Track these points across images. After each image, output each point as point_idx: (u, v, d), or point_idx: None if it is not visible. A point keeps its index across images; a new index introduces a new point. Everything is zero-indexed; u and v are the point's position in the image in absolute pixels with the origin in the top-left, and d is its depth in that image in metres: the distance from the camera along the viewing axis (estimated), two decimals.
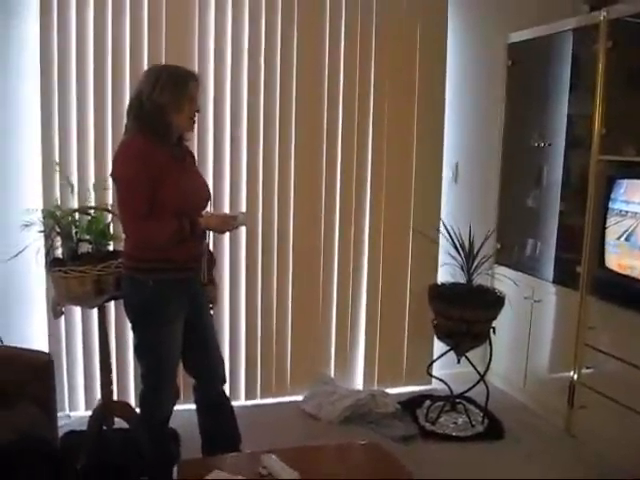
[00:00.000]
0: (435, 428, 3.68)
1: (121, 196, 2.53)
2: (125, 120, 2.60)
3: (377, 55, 3.92)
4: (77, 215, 3.06)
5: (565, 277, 3.76)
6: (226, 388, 2.95)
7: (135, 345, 2.70)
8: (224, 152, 3.77)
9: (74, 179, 3.43)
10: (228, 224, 2.74)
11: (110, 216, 3.14)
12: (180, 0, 3.57)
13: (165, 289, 2.58)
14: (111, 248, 3.17)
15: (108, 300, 3.01)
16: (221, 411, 2.90)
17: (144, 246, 2.58)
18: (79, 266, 2.83)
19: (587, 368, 3.53)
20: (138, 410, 2.75)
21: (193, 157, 2.85)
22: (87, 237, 3.04)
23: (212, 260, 2.88)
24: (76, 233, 3.01)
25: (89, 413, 3.21)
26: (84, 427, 3.14)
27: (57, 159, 3.45)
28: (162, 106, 2.50)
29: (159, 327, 2.61)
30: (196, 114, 2.66)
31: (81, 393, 3.68)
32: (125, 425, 3.14)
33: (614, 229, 3.34)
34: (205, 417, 2.90)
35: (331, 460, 2.37)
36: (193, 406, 2.90)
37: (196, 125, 3.57)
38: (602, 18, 3.38)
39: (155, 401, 2.72)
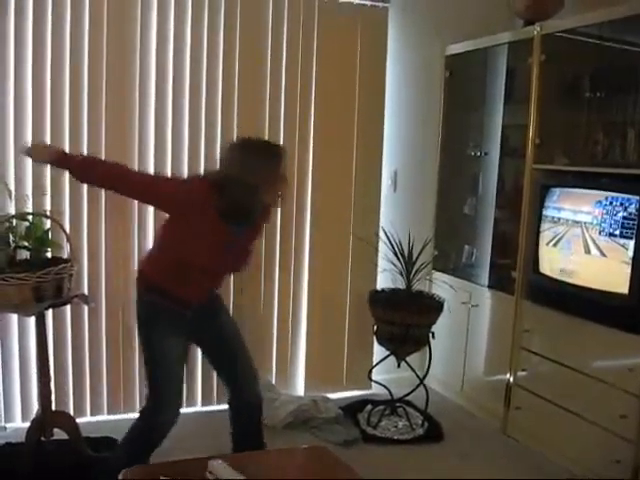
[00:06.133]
0: (376, 432, 3.72)
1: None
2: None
3: (318, 65, 3.96)
4: (15, 221, 2.98)
5: (501, 282, 3.87)
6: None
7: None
8: (166, 150, 3.72)
9: (11, 184, 3.35)
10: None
11: (49, 222, 3.08)
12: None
13: (155, 309, 2.68)
14: (49, 255, 3.11)
15: (47, 308, 2.95)
16: (251, 417, 2.97)
17: None
18: (17, 273, 2.77)
19: (522, 370, 3.64)
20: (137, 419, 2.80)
21: (257, 231, 2.87)
22: (25, 244, 2.97)
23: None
24: (14, 240, 2.94)
25: (26, 425, 3.12)
26: (21, 439, 3.06)
27: None
28: (255, 186, 2.54)
29: (152, 338, 2.71)
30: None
31: (17, 404, 3.58)
32: (65, 436, 3.09)
33: (547, 235, 3.46)
34: (235, 423, 2.97)
35: (279, 464, 2.38)
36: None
37: (137, 118, 3.63)
38: (536, 33, 3.51)
39: (155, 414, 2.71)
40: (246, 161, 2.54)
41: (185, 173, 3.74)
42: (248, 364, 2.95)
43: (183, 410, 2.83)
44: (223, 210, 2.54)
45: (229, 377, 2.95)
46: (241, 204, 2.57)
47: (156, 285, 2.68)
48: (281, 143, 2.73)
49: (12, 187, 3.32)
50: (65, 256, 3.09)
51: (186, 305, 2.72)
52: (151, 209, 3.68)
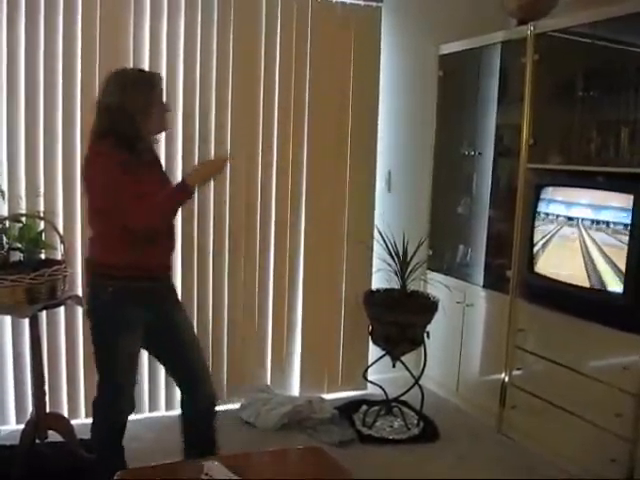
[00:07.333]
0: (372, 432, 3.72)
1: (108, 188, 2.47)
2: (94, 124, 2.59)
3: (312, 66, 3.95)
4: (8, 223, 2.97)
5: (495, 281, 3.87)
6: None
7: (94, 351, 2.66)
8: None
9: (4, 185, 3.33)
10: (216, 164, 2.74)
11: (42, 223, 3.07)
12: (114, 4, 3.52)
13: (124, 296, 2.56)
14: (43, 256, 3.10)
15: (41, 309, 2.94)
16: (205, 419, 2.87)
17: (149, 225, 2.53)
18: (10, 275, 2.76)
19: (517, 369, 3.65)
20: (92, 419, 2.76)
21: (160, 163, 2.86)
22: (18, 245, 2.96)
23: None
24: (7, 241, 2.93)
25: (20, 427, 3.12)
26: (15, 442, 3.05)
27: None
28: (131, 113, 2.50)
29: (116, 332, 2.58)
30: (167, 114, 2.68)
31: (11, 406, 3.56)
32: (59, 438, 3.07)
33: (541, 234, 3.47)
34: (188, 425, 2.88)
35: (274, 465, 2.37)
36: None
37: None
38: (529, 32, 3.51)
39: (110, 409, 2.68)
40: (120, 89, 2.52)
41: (180, 173, 3.72)
42: (203, 362, 2.91)
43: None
44: (121, 147, 2.50)
45: (185, 377, 2.84)
46: (128, 134, 2.52)
47: (120, 264, 2.55)
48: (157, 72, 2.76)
49: (5, 188, 3.30)
50: (59, 257, 3.08)
51: (158, 271, 2.69)
52: None
